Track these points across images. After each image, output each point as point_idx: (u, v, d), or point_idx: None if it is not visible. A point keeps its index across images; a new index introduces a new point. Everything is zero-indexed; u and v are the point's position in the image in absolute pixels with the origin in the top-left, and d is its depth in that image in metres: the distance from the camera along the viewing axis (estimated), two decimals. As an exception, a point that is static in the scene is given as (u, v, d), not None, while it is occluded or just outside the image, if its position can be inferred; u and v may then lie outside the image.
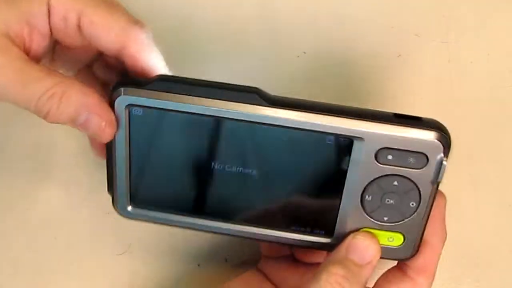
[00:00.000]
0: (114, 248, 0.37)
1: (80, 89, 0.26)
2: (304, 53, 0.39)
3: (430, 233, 0.28)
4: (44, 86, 0.25)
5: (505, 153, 0.38)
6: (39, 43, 0.27)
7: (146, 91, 0.26)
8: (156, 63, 0.28)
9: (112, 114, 0.27)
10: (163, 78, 0.27)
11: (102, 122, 0.26)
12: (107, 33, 0.26)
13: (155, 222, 0.30)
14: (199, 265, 0.37)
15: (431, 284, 0.28)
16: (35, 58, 0.27)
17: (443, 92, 0.38)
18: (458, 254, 0.36)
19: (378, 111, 0.27)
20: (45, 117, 0.26)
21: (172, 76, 0.28)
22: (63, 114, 0.25)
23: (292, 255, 0.33)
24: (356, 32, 0.39)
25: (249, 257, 0.36)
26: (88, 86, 0.26)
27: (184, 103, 0.26)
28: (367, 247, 0.27)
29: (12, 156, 0.38)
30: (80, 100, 0.25)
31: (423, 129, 0.26)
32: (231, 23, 0.40)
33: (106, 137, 0.27)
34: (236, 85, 0.27)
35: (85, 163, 0.38)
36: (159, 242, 0.37)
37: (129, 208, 0.30)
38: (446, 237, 0.28)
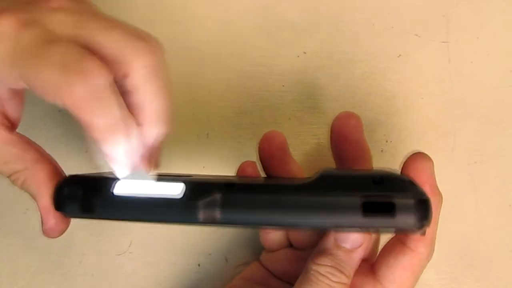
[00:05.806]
0: (114, 248, 0.37)
1: (38, 185, 0.26)
2: (304, 53, 0.39)
3: None
4: (10, 169, 0.26)
5: (505, 153, 0.37)
6: (17, 107, 0.27)
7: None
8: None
9: (55, 220, 0.26)
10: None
11: (42, 227, 0.27)
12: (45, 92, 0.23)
13: None
14: (199, 265, 0.37)
15: (431, 253, 0.27)
16: (14, 120, 0.27)
17: (443, 92, 0.38)
18: (458, 254, 0.36)
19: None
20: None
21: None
22: (27, 193, 0.27)
23: (292, 246, 0.33)
24: (356, 32, 0.39)
25: (249, 257, 0.36)
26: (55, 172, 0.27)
27: None
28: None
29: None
30: (34, 193, 0.27)
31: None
32: (231, 22, 0.40)
33: (47, 235, 0.27)
34: None
35: (85, 163, 0.38)
36: (159, 242, 0.37)
37: None
38: (442, 200, 0.27)
